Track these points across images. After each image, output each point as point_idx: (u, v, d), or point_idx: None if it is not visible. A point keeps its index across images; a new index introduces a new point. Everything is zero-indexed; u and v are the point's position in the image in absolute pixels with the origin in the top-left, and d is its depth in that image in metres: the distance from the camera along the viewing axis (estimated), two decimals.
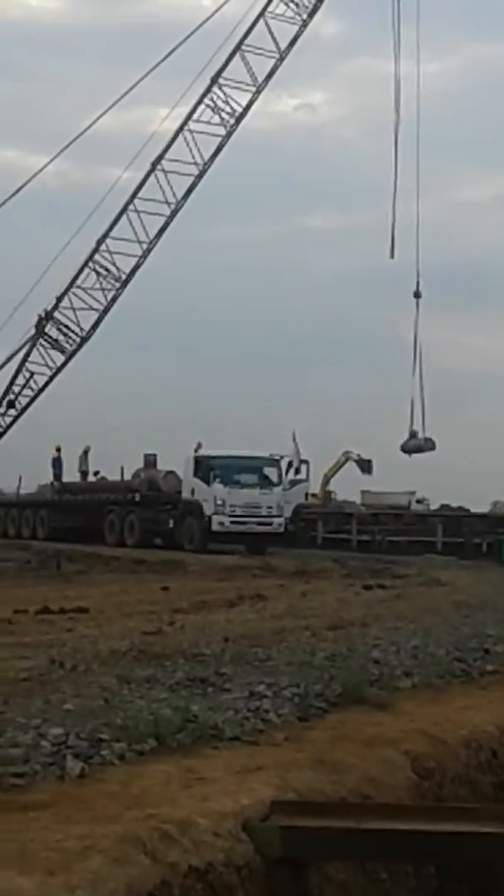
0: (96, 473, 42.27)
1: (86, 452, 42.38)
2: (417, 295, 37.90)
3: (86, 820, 5.67)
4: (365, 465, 45.16)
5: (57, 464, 42.71)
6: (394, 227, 37.15)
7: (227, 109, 37.10)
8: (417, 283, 37.72)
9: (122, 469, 40.56)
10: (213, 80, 36.97)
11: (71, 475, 42.81)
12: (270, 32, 36.94)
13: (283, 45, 37.19)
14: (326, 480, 46.22)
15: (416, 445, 38.25)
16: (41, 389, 39.31)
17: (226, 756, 7.02)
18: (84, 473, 42.48)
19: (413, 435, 38.29)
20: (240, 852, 5.82)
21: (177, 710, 7.62)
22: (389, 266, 38.05)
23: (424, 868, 6.87)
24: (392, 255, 37.37)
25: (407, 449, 38.50)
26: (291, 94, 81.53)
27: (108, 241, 37.68)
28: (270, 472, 36.82)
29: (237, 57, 36.84)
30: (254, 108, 37.58)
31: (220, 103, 37.02)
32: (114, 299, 38.51)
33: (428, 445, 38.26)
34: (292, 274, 70.61)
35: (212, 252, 66.69)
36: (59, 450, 42.69)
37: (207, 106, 36.95)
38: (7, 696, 8.58)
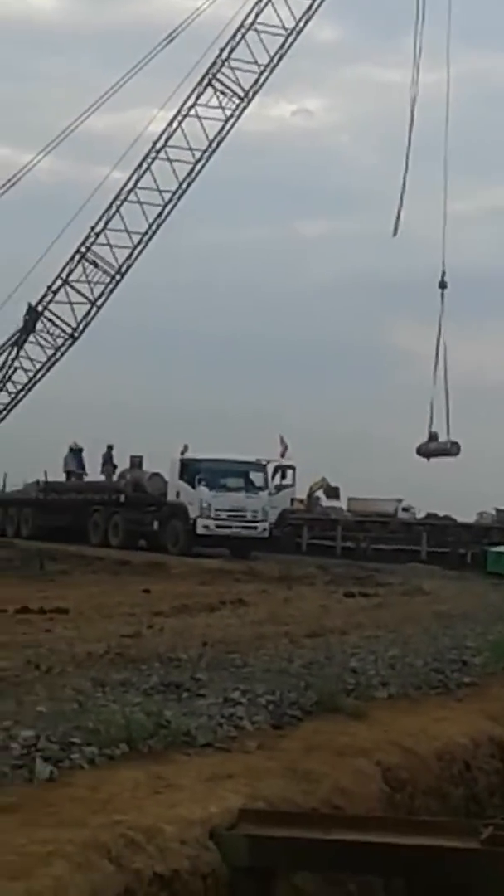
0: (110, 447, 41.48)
1: (73, 450, 42.17)
2: (443, 285, 34.74)
3: (51, 824, 5.61)
4: (331, 492, 44.57)
5: (75, 460, 41.94)
6: (402, 202, 34.07)
7: (234, 89, 34.95)
8: (444, 272, 34.65)
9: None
10: (219, 61, 34.90)
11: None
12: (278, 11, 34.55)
13: (294, 23, 34.57)
14: (312, 491, 46.21)
15: (439, 448, 35.28)
16: (31, 385, 38.84)
17: (197, 763, 6.97)
18: (69, 473, 42.29)
19: (433, 437, 35.27)
20: (206, 860, 5.78)
21: (150, 715, 7.56)
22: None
23: (394, 881, 6.81)
24: (395, 233, 34.37)
25: (425, 452, 35.52)
26: (289, 99, 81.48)
27: (104, 233, 36.87)
28: (256, 476, 36.77)
29: (242, 40, 34.78)
30: (250, 111, 36.80)
31: (224, 85, 34.95)
32: (105, 294, 37.84)
33: (453, 449, 35.25)
34: (284, 279, 70.52)
35: (202, 256, 66.56)
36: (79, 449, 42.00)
37: (212, 87, 34.98)
38: None
